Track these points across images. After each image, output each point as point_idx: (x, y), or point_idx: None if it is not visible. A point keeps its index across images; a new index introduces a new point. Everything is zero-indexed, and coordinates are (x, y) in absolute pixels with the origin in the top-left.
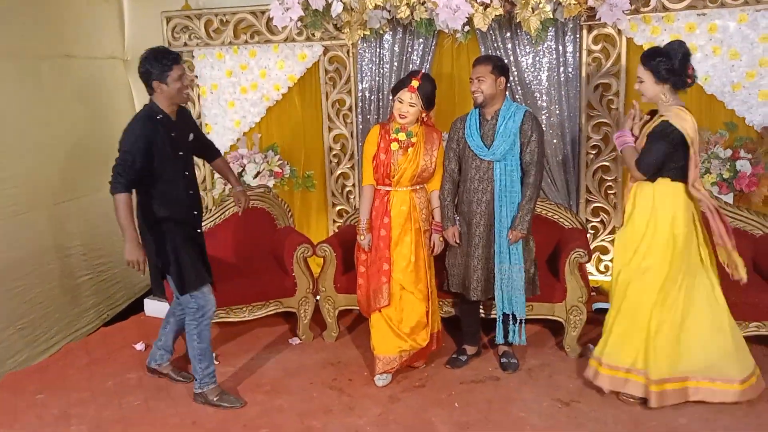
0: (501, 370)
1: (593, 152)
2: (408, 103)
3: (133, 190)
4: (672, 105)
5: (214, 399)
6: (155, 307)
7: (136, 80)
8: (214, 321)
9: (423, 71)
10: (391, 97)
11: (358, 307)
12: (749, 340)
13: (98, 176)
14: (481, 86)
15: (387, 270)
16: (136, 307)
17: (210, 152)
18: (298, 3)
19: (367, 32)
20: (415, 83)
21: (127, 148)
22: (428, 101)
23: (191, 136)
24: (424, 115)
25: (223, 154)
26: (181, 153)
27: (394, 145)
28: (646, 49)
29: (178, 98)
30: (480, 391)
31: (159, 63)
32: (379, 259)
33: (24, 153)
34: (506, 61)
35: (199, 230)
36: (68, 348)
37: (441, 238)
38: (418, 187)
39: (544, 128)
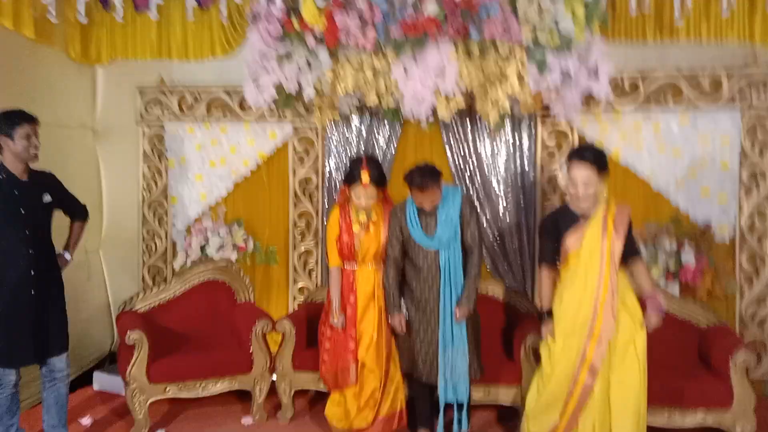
0: None
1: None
2: (366, 197)
3: None
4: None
5: None
6: (105, 381)
7: (103, 150)
8: (164, 397)
9: (366, 156)
10: (343, 184)
11: (314, 388)
12: (698, 430)
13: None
14: (432, 199)
15: (353, 349)
16: (86, 379)
17: (73, 213)
18: (272, 85)
19: (337, 116)
20: (365, 178)
21: None
22: (381, 182)
23: (47, 197)
24: (381, 193)
25: (185, 226)
26: (23, 211)
27: (356, 227)
28: (572, 149)
29: (24, 155)
30: None
31: (8, 119)
32: (345, 338)
33: None
34: (466, 148)
35: (37, 294)
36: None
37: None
38: (381, 265)
39: (501, 215)
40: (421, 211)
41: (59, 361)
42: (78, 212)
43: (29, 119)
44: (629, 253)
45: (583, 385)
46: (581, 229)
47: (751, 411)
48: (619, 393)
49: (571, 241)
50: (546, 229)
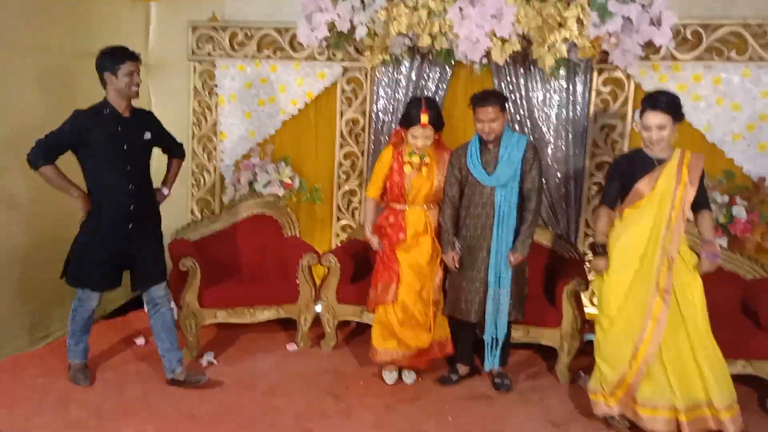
0: (494, 390)
1: (595, 188)
2: (423, 137)
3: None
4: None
5: (70, 374)
6: None
7: (156, 85)
8: (215, 322)
9: (425, 98)
10: (398, 127)
11: (356, 320)
12: (736, 378)
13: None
14: (493, 126)
15: (397, 271)
16: (138, 302)
17: (170, 151)
18: (325, 24)
19: (387, 57)
20: (425, 118)
21: (59, 128)
22: (438, 125)
23: (147, 135)
24: (436, 136)
25: (233, 161)
26: (125, 146)
27: (407, 168)
28: (647, 94)
29: (127, 92)
30: (473, 408)
31: (112, 56)
32: (391, 259)
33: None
34: (517, 95)
35: (135, 227)
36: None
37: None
38: (432, 206)
39: (549, 162)
40: (483, 149)
41: (157, 290)
42: (176, 150)
43: (132, 57)
44: (700, 204)
45: (659, 313)
46: (655, 173)
47: None
48: (688, 309)
49: (644, 184)
50: (618, 169)
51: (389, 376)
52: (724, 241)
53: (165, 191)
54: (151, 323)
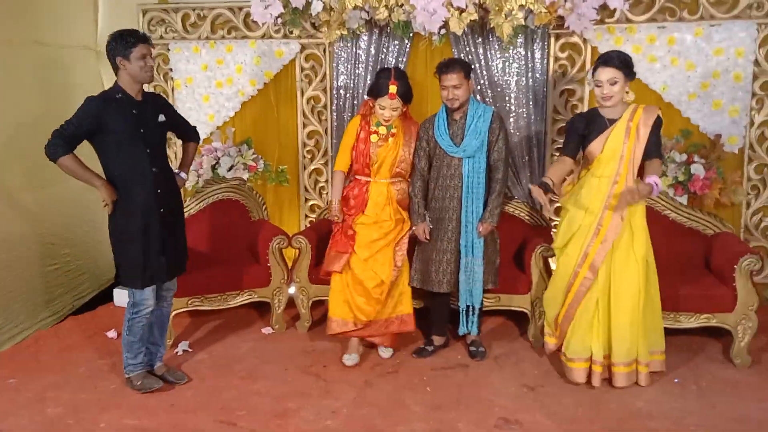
0: (470, 358)
1: (557, 154)
2: (391, 109)
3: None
4: (629, 100)
5: (137, 384)
6: (124, 297)
7: (106, 71)
8: (188, 309)
9: (394, 68)
10: (366, 97)
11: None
12: (700, 331)
13: None
14: (457, 93)
15: (352, 243)
16: (104, 298)
17: (185, 134)
18: (279, 0)
19: (345, 32)
20: (393, 88)
21: (73, 116)
22: (407, 97)
23: (161, 117)
24: (404, 109)
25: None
26: (142, 130)
27: (374, 137)
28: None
29: (140, 76)
30: (450, 377)
31: (123, 40)
32: (345, 227)
33: None
34: (477, 64)
35: (164, 212)
36: (38, 335)
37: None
38: (396, 180)
39: (511, 130)
40: (450, 121)
41: (174, 281)
42: (191, 133)
43: (144, 39)
44: (650, 153)
45: (582, 279)
46: (606, 133)
47: (753, 312)
48: (617, 295)
49: (595, 144)
50: (573, 126)
51: (348, 359)
52: (684, 199)
53: (183, 175)
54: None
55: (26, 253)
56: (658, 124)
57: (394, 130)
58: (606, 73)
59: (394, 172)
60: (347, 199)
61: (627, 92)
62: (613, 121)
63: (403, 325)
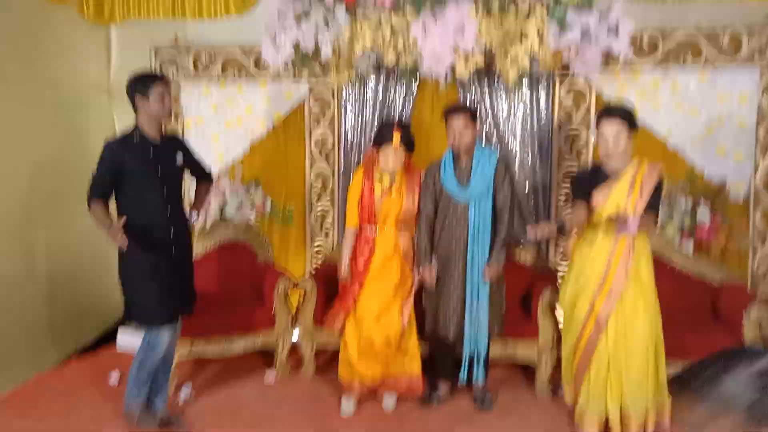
0: (475, 408)
1: (563, 197)
2: (394, 157)
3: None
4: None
5: (135, 421)
6: (128, 339)
7: (119, 110)
8: (188, 354)
9: (397, 121)
10: (372, 145)
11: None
12: None
13: (73, 204)
14: (463, 136)
15: (351, 304)
16: (108, 338)
17: (200, 175)
18: (290, 43)
19: (354, 75)
20: (396, 138)
21: (97, 166)
22: (410, 146)
23: (179, 159)
24: (407, 159)
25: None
26: (159, 173)
27: (378, 189)
28: (603, 107)
29: (160, 114)
30: (457, 428)
31: (143, 80)
32: (350, 291)
33: (1, 178)
34: (483, 108)
35: (176, 253)
36: (39, 378)
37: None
38: (402, 231)
39: (516, 172)
40: (456, 165)
41: (178, 324)
42: (205, 174)
43: (162, 79)
44: (647, 207)
45: (588, 335)
46: (609, 186)
47: None
48: (627, 350)
49: (598, 197)
50: (577, 186)
51: (346, 406)
52: (689, 246)
53: (195, 216)
54: None
55: (32, 292)
56: (660, 182)
57: (397, 182)
58: (610, 126)
59: (400, 222)
60: (354, 253)
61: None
62: (616, 174)
63: (412, 386)
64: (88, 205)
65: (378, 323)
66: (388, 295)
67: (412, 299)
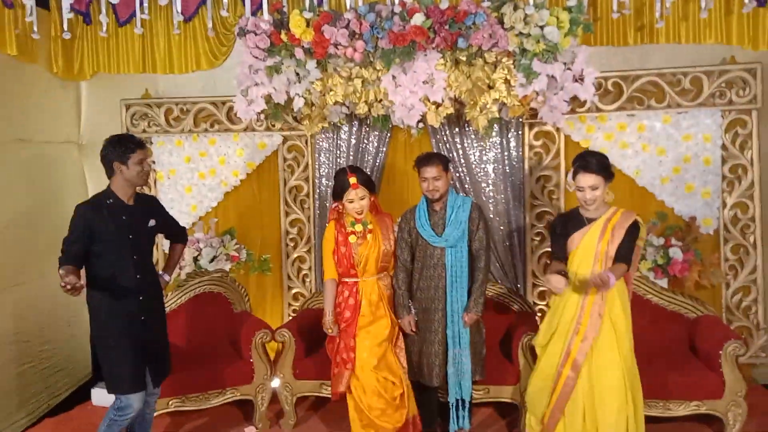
0: None
1: (537, 239)
2: (359, 199)
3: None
4: (608, 203)
5: None
6: (103, 396)
7: (90, 165)
8: (167, 411)
9: (347, 166)
10: (334, 203)
11: (315, 394)
12: (690, 418)
13: (45, 261)
14: (437, 185)
15: (351, 357)
16: (81, 395)
17: (174, 236)
18: (261, 97)
19: (326, 125)
20: (353, 180)
21: (69, 231)
22: (369, 185)
23: (152, 222)
24: (372, 199)
25: None
26: (131, 236)
27: (352, 238)
28: (580, 152)
29: (137, 180)
30: None
31: (122, 146)
32: (345, 346)
33: None
34: (454, 154)
35: (148, 317)
36: None
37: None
38: (383, 275)
39: (491, 216)
40: (431, 212)
41: (156, 389)
42: (179, 235)
43: (141, 144)
44: (619, 257)
45: (566, 378)
46: (584, 231)
47: (742, 399)
48: (600, 395)
49: (572, 240)
50: (553, 231)
51: None
52: (664, 282)
53: (166, 277)
54: (135, 421)
55: (2, 353)
56: (633, 229)
57: (370, 226)
58: (587, 180)
59: (380, 267)
60: (340, 307)
61: (608, 193)
62: (591, 221)
63: (415, 429)
64: (59, 268)
65: (379, 371)
66: (382, 341)
67: (403, 342)
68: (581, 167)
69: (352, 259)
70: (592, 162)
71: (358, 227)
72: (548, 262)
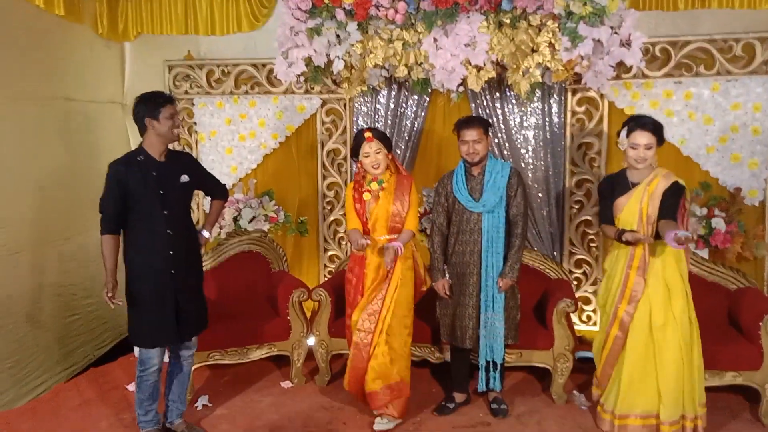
0: (491, 417)
1: (576, 207)
2: (374, 153)
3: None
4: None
5: None
6: None
7: (132, 125)
8: (207, 363)
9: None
10: (354, 161)
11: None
12: (726, 389)
13: (90, 217)
14: (477, 148)
15: (349, 313)
16: (124, 347)
17: (212, 192)
18: (302, 59)
19: (365, 88)
20: (368, 134)
21: (104, 189)
22: (387, 142)
23: (184, 178)
24: (390, 156)
25: None
26: (161, 192)
27: (366, 195)
28: (630, 115)
29: (169, 135)
30: None
31: (152, 102)
32: (351, 303)
33: (19, 193)
34: (495, 119)
35: (177, 272)
36: (58, 388)
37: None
38: (395, 236)
39: (529, 183)
40: (468, 176)
41: (192, 341)
42: (218, 191)
43: (171, 100)
44: (662, 215)
45: (614, 338)
46: (629, 194)
47: None
48: (660, 354)
49: (616, 208)
50: (601, 192)
51: (381, 424)
52: (705, 253)
53: (206, 234)
54: (168, 369)
55: (49, 305)
56: (676, 189)
57: (385, 185)
58: (644, 138)
59: (390, 227)
60: (350, 265)
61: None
62: (636, 184)
63: (395, 392)
64: (101, 230)
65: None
66: (383, 311)
67: (380, 300)
68: (638, 125)
69: (365, 217)
70: (649, 122)
71: (374, 185)
72: (586, 230)
